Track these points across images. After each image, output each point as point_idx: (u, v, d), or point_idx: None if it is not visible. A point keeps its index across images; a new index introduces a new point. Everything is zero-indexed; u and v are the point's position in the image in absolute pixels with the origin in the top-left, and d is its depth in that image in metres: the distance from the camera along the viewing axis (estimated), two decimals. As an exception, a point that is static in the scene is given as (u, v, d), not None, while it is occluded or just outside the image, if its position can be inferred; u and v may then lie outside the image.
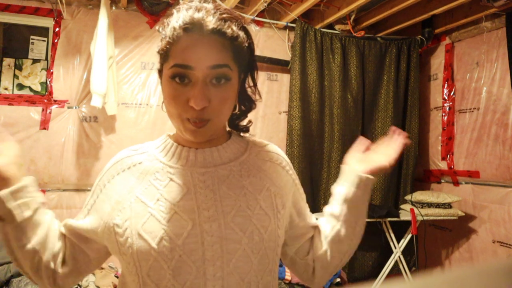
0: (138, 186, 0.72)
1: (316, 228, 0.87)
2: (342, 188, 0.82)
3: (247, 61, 0.74)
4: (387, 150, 0.84)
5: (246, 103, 0.80)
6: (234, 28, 0.67)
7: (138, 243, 0.67)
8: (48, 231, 0.74)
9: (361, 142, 0.87)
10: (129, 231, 0.68)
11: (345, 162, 0.86)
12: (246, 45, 0.71)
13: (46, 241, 0.73)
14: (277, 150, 0.85)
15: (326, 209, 0.86)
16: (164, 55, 0.69)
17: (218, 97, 0.67)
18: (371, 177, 0.80)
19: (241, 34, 0.69)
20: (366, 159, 0.84)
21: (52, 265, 0.74)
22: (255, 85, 0.79)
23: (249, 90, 0.79)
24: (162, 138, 0.81)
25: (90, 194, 0.78)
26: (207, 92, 0.66)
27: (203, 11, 0.66)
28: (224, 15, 0.67)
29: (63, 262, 0.77)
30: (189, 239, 0.67)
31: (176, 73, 0.66)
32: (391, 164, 0.82)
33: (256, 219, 0.71)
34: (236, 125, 0.82)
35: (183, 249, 0.66)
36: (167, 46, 0.67)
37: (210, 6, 0.68)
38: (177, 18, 0.67)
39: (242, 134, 0.83)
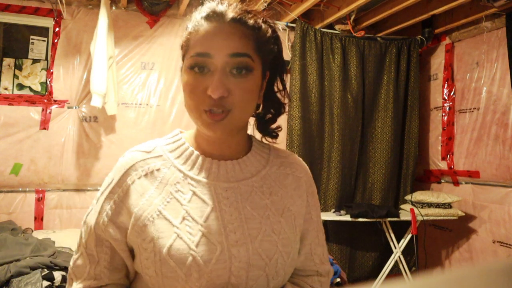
0: (158, 197, 0.67)
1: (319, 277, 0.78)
2: None
3: (274, 60, 0.71)
4: None
5: (276, 106, 0.76)
6: (258, 19, 0.66)
7: (164, 269, 0.62)
8: None
9: None
10: (153, 255, 0.63)
11: None
12: (272, 39, 0.69)
13: None
14: (299, 161, 0.81)
15: None
16: (186, 47, 0.67)
17: (238, 88, 0.63)
18: None
19: (264, 26, 0.67)
20: None
21: None
22: (284, 88, 0.76)
23: (278, 94, 0.76)
24: (174, 137, 0.75)
25: (98, 209, 0.69)
26: (226, 81, 0.63)
27: (226, 2, 0.66)
28: (248, 8, 0.67)
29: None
30: (217, 265, 0.63)
31: (194, 63, 0.64)
32: None
33: (281, 245, 0.68)
34: (267, 129, 0.78)
35: (210, 275, 0.62)
36: (188, 37, 0.66)
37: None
38: (200, 10, 0.67)
39: (269, 140, 0.79)
